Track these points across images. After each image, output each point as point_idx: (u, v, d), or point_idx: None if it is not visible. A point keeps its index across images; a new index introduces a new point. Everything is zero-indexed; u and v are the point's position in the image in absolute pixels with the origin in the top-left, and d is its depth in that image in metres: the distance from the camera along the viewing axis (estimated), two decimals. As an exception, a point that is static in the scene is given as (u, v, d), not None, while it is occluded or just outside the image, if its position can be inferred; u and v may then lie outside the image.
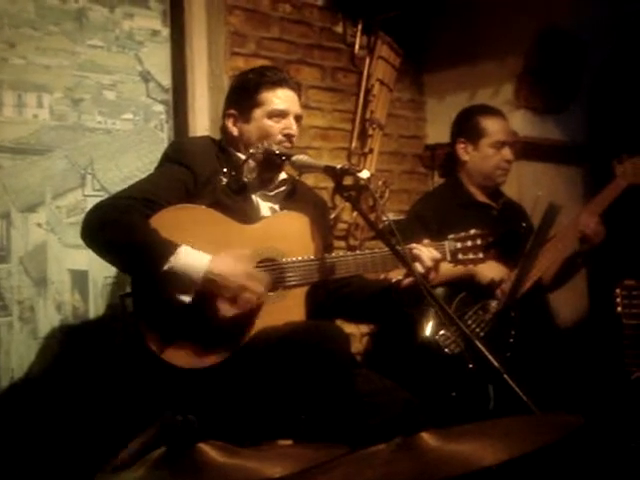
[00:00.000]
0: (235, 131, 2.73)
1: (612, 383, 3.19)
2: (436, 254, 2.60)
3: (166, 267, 2.33)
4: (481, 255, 2.74)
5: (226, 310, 2.41)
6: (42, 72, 2.98)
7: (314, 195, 2.96)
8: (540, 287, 3.41)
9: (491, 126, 3.48)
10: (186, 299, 2.36)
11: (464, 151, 3.51)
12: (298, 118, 2.74)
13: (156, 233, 2.39)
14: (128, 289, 2.66)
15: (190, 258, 2.36)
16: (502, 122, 3.52)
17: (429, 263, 2.57)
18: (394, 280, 2.65)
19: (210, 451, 1.42)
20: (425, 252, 2.58)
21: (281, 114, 2.68)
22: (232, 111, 2.74)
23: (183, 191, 2.56)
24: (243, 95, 2.72)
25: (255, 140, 2.66)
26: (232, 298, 2.40)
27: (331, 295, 2.72)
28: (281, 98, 2.69)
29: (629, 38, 4.18)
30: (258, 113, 2.69)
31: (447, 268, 2.82)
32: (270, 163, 2.64)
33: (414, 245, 2.60)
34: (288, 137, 2.69)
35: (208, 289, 2.37)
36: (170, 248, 2.35)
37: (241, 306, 2.41)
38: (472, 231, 2.74)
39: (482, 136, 3.47)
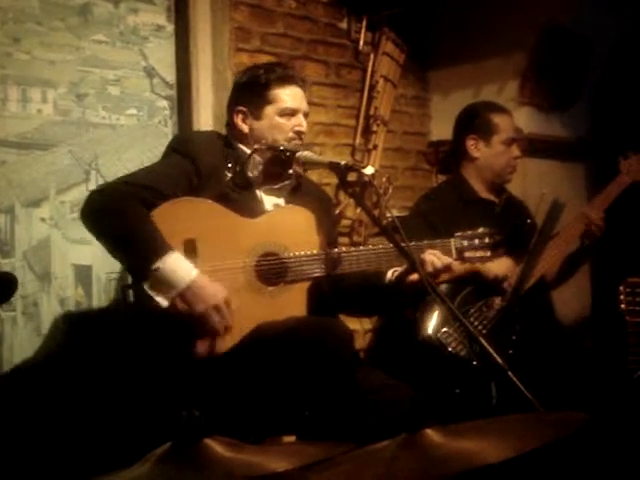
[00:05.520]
0: (245, 128, 2.72)
1: (615, 381, 3.19)
2: (445, 260, 2.60)
3: (154, 267, 2.34)
4: (488, 254, 2.74)
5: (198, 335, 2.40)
6: (46, 67, 2.98)
7: (319, 191, 2.96)
8: (543, 284, 3.41)
9: (502, 123, 3.46)
10: (163, 303, 2.36)
11: (474, 147, 3.47)
12: (306, 114, 2.75)
13: (154, 229, 2.39)
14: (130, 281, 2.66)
15: (179, 265, 2.36)
16: (511, 119, 3.51)
17: (435, 268, 2.57)
18: (395, 274, 2.65)
19: (215, 446, 1.42)
20: (433, 259, 2.59)
21: (292, 112, 2.69)
22: (242, 108, 2.72)
23: (186, 182, 2.56)
24: (253, 92, 2.71)
25: (266, 137, 2.66)
26: (201, 315, 2.38)
27: (330, 289, 2.72)
28: (291, 96, 2.70)
29: (633, 35, 4.17)
30: (270, 110, 2.68)
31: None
32: (278, 159, 2.64)
33: (427, 252, 2.61)
34: (298, 134, 2.69)
35: (185, 298, 2.36)
36: (163, 250, 2.35)
37: (209, 328, 2.40)
38: (480, 229, 2.74)
39: (494, 132, 3.44)
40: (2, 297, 2.41)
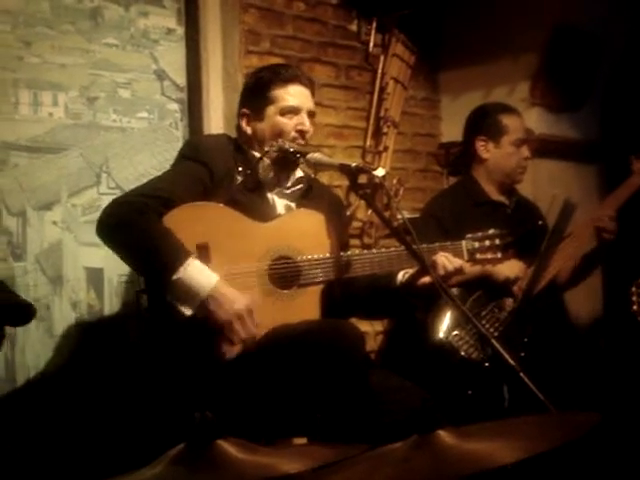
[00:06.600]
0: (249, 130, 2.72)
1: (627, 382, 3.18)
2: (457, 262, 2.59)
3: (174, 277, 2.33)
4: (499, 255, 2.73)
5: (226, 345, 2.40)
6: (57, 71, 2.99)
7: (330, 193, 2.96)
8: (555, 286, 3.40)
9: (512, 123, 3.45)
10: (187, 312, 2.36)
11: (484, 149, 3.46)
12: (311, 114, 2.72)
13: (170, 237, 2.38)
14: (143, 286, 2.66)
15: (198, 274, 2.35)
16: (521, 120, 3.51)
17: (447, 270, 2.57)
18: (406, 276, 2.64)
19: (228, 448, 1.42)
20: (445, 261, 2.58)
21: (293, 110, 2.67)
22: (245, 110, 2.73)
23: (199, 188, 2.56)
24: (255, 93, 2.71)
25: (269, 138, 2.66)
26: (227, 323, 2.38)
27: (342, 292, 2.71)
28: (292, 94, 2.68)
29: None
30: (271, 110, 2.68)
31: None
32: (285, 161, 2.64)
33: (438, 255, 2.60)
34: (301, 133, 2.67)
35: (209, 307, 2.36)
36: (181, 258, 2.34)
37: (233, 337, 2.38)
38: (491, 231, 2.73)
39: (504, 133, 3.43)
40: (18, 323, 2.48)
